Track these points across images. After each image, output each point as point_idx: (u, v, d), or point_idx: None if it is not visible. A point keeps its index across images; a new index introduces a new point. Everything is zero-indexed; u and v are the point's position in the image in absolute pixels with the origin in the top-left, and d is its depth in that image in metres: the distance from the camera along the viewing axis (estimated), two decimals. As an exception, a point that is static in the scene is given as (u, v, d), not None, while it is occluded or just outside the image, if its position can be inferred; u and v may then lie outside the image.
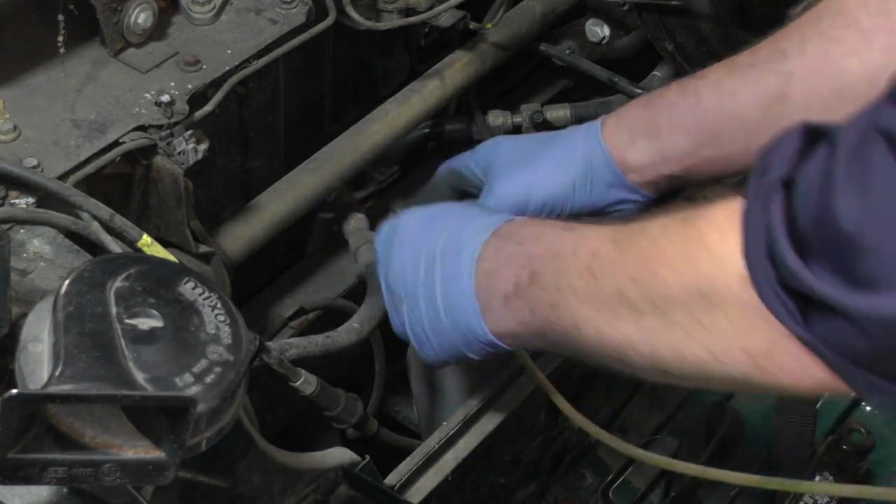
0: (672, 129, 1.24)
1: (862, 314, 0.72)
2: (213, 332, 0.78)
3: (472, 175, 1.34)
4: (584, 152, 1.28)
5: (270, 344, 1.17)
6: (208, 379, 0.76)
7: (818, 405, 1.83)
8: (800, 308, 0.77)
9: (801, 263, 0.74)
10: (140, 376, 0.73)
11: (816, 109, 1.13)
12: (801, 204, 0.75)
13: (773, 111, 1.17)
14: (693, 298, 0.84)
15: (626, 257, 0.91)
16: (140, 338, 0.76)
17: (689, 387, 0.90)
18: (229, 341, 0.78)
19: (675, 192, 1.59)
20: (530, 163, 1.28)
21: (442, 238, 1.12)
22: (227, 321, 0.79)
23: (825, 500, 1.63)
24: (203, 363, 0.76)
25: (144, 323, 0.76)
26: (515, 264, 1.04)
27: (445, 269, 1.10)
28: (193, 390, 0.75)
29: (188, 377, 0.75)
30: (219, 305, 0.80)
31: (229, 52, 1.25)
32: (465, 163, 1.34)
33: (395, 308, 1.18)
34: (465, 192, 1.37)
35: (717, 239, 0.82)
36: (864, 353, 0.75)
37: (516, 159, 1.29)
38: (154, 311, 0.77)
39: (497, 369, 1.35)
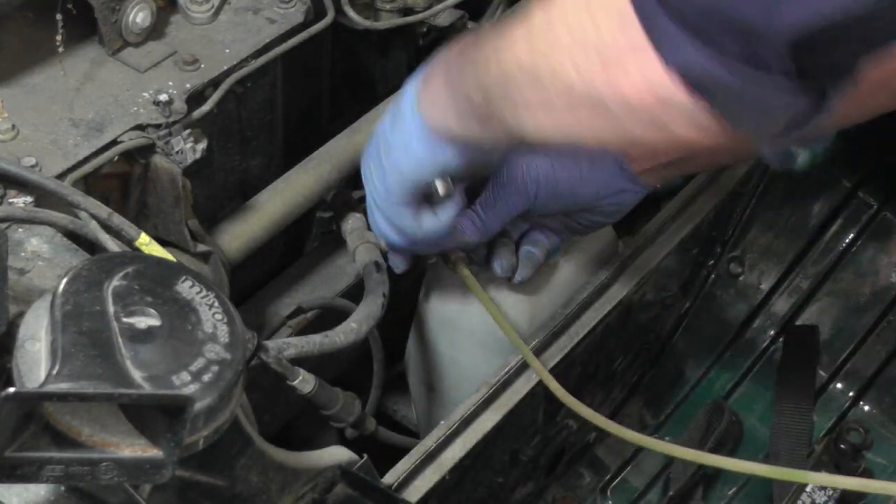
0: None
1: None
2: (211, 330, 0.78)
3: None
4: None
5: (268, 343, 1.17)
6: (205, 377, 0.76)
7: (816, 404, 1.84)
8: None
9: None
10: (137, 375, 0.73)
11: None
12: None
13: None
14: (559, 10, 0.90)
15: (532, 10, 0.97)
16: (137, 336, 0.76)
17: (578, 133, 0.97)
18: (227, 340, 0.78)
19: (672, 192, 1.60)
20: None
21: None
22: (225, 320, 0.79)
23: (823, 500, 1.63)
24: (200, 362, 0.76)
25: (142, 321, 0.76)
26: (442, 63, 1.11)
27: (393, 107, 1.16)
28: (191, 389, 0.75)
29: (185, 376, 0.75)
30: (216, 304, 0.80)
31: (227, 51, 1.26)
32: None
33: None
34: None
35: None
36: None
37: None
38: (151, 310, 0.77)
39: (496, 369, 1.35)
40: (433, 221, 1.24)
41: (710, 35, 0.79)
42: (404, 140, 1.15)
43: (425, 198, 1.22)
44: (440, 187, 1.22)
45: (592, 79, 0.88)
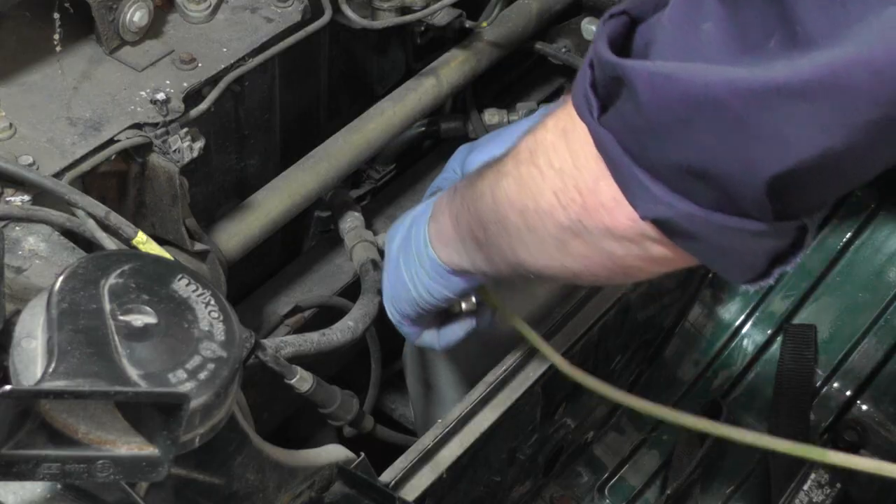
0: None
1: (635, 73, 0.76)
2: (207, 328, 0.78)
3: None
4: None
5: (266, 341, 1.17)
6: (202, 375, 0.76)
7: (813, 403, 1.84)
8: (601, 106, 0.82)
9: (604, 45, 0.80)
10: (133, 373, 0.73)
11: None
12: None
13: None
14: (542, 147, 0.91)
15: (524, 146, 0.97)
16: (134, 334, 0.76)
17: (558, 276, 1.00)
18: (223, 338, 0.78)
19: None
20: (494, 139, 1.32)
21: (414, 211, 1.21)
22: (221, 318, 0.79)
23: (821, 499, 1.64)
24: (196, 360, 0.76)
25: (138, 319, 0.76)
26: (448, 198, 1.13)
27: (410, 230, 1.18)
28: (187, 387, 0.75)
29: (181, 373, 0.75)
30: (212, 302, 0.80)
31: (225, 50, 1.26)
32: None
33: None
34: None
35: (552, 122, 0.91)
36: (641, 131, 0.78)
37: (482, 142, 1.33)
38: (148, 308, 0.77)
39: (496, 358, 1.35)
40: (452, 333, 1.28)
41: (686, 187, 0.78)
42: (420, 274, 1.17)
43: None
44: (463, 305, 1.26)
45: (579, 218, 0.88)
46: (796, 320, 1.91)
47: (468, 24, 1.48)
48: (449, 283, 1.16)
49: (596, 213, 0.86)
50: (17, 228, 1.02)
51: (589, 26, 1.66)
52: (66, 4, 1.14)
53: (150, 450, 0.73)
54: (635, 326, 1.69)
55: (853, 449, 1.70)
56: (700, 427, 1.28)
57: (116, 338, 0.75)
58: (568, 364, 1.29)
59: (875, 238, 1.93)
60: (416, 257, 1.17)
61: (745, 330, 1.92)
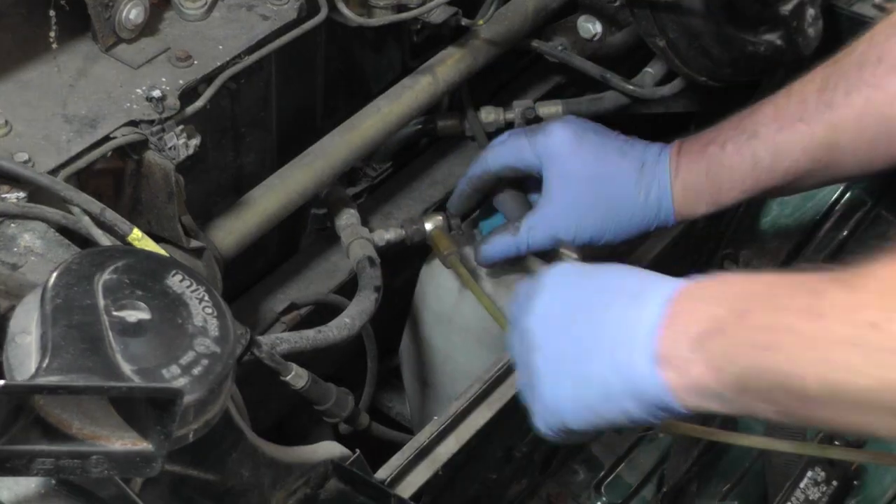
0: (732, 191, 1.34)
1: None
2: (201, 324, 0.79)
3: (528, 166, 1.39)
4: (651, 214, 1.37)
5: (261, 338, 1.17)
6: (195, 371, 0.76)
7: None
8: None
9: None
10: (127, 368, 0.74)
11: (864, 151, 1.23)
12: None
13: (821, 161, 1.26)
14: None
15: (860, 296, 0.79)
16: (127, 330, 0.76)
17: None
18: (217, 333, 0.79)
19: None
20: (594, 206, 1.35)
21: (611, 283, 0.98)
22: (215, 314, 0.80)
23: (817, 496, 1.64)
24: (190, 355, 0.76)
25: (132, 315, 0.77)
26: (714, 303, 0.89)
27: (612, 312, 0.95)
28: (180, 382, 0.75)
29: (175, 369, 0.75)
30: (206, 298, 0.80)
31: (221, 47, 1.26)
32: (520, 157, 1.39)
33: (524, 362, 1.03)
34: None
35: None
36: None
37: (577, 180, 1.35)
38: (141, 304, 0.78)
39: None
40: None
41: None
42: (622, 402, 0.94)
43: None
44: None
45: None
46: (793, 318, 1.91)
47: (464, 21, 1.48)
48: (658, 415, 0.94)
49: None
50: (12, 225, 1.02)
51: (585, 24, 1.66)
52: (62, 2, 1.14)
53: (143, 445, 0.74)
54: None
55: (849, 447, 1.70)
56: (692, 433, 1.29)
57: (110, 333, 0.75)
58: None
59: (872, 237, 1.93)
60: (614, 378, 0.93)
61: (741, 328, 1.92)
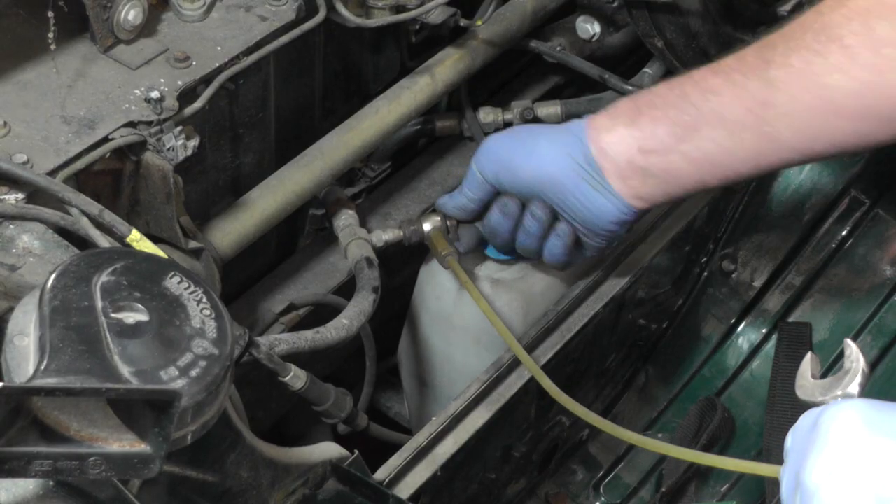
0: (653, 118, 1.25)
1: None
2: (199, 326, 0.79)
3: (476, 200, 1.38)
4: (569, 144, 1.31)
5: (260, 339, 1.17)
6: (193, 372, 0.76)
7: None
8: None
9: None
10: (125, 370, 0.74)
11: (802, 117, 1.18)
12: None
13: (754, 114, 1.20)
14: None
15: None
16: (125, 332, 0.76)
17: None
18: (214, 335, 0.79)
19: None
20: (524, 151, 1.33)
21: None
22: (213, 315, 0.80)
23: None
24: (188, 357, 0.77)
25: (130, 317, 0.77)
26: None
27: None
28: (178, 384, 0.75)
29: (173, 371, 0.75)
30: (204, 300, 0.80)
31: (219, 48, 1.26)
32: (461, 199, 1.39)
33: None
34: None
35: None
36: None
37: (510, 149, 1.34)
38: (139, 306, 0.78)
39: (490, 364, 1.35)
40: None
41: None
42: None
43: None
44: None
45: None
46: (792, 318, 1.91)
47: (463, 22, 1.48)
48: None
49: None
50: (10, 226, 1.02)
51: (583, 25, 1.66)
52: (61, 3, 1.14)
53: (141, 447, 0.74)
54: (629, 325, 1.69)
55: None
56: (667, 452, 1.29)
57: (108, 335, 0.75)
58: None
59: (870, 236, 1.93)
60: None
61: (740, 328, 1.92)
